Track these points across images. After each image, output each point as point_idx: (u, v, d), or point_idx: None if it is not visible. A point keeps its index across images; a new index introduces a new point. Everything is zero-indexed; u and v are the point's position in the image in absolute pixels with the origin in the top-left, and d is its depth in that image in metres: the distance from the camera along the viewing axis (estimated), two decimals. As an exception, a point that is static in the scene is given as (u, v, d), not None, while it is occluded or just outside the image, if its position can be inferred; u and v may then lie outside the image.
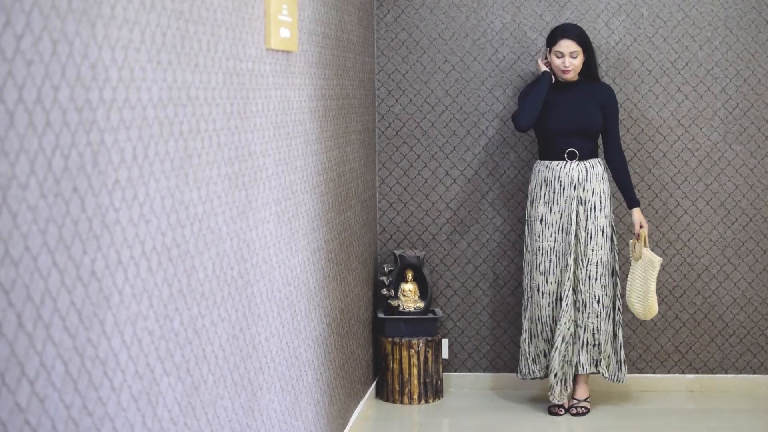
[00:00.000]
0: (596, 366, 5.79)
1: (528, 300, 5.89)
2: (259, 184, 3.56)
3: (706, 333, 6.35)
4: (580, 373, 5.79)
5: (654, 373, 6.37)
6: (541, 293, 5.79)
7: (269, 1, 3.64)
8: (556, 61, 5.74)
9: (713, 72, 6.21)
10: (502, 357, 6.42)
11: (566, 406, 5.89)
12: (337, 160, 5.01)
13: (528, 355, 5.92)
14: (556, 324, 5.76)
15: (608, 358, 5.79)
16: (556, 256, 5.76)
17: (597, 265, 5.71)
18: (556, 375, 5.74)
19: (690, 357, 6.36)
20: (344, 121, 5.22)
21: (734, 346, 6.35)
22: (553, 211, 5.76)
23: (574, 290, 5.72)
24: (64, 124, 2.06)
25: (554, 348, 5.72)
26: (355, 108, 5.54)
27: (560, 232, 5.75)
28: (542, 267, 5.78)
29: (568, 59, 5.70)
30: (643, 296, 5.76)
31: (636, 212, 5.88)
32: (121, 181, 2.34)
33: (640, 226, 5.84)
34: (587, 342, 5.74)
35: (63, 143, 2.05)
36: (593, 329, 5.72)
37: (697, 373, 6.38)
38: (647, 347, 6.35)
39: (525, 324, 5.92)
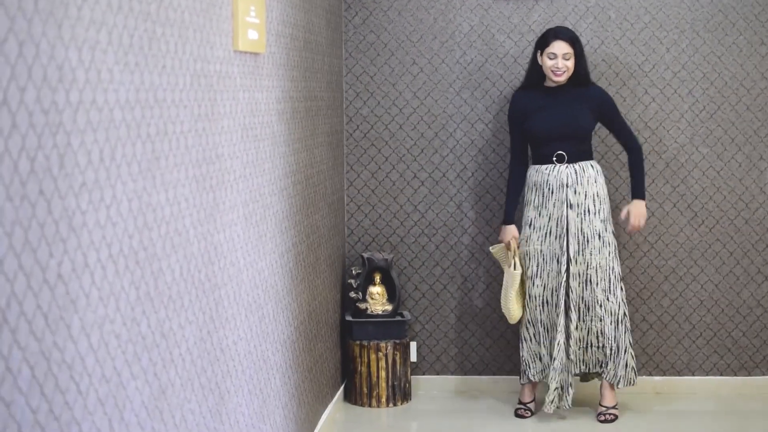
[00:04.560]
0: (600, 366, 5.77)
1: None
2: (227, 186, 3.55)
3: (673, 335, 6.38)
4: (582, 371, 5.80)
5: (621, 375, 6.39)
6: (529, 296, 5.79)
7: (237, 3, 3.63)
8: (549, 63, 5.67)
9: (680, 75, 6.23)
10: (470, 360, 6.43)
11: (533, 409, 5.91)
12: (305, 163, 5.00)
13: (523, 361, 5.87)
14: (546, 328, 5.76)
15: (615, 362, 5.75)
16: (543, 260, 5.73)
17: (596, 270, 5.68)
18: (557, 387, 5.71)
19: (657, 359, 6.39)
20: (312, 123, 5.21)
21: (701, 348, 6.38)
22: (541, 215, 5.74)
23: (568, 295, 5.69)
24: (31, 126, 2.04)
25: (553, 358, 5.70)
26: (323, 110, 5.53)
27: (548, 236, 5.72)
28: (530, 271, 5.77)
29: (561, 60, 5.65)
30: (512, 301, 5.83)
31: (635, 204, 5.88)
32: (87, 184, 2.33)
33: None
34: (591, 344, 5.74)
35: (29, 145, 2.03)
36: (597, 332, 5.71)
37: (665, 375, 6.40)
38: (615, 349, 6.37)
39: (520, 329, 5.91)
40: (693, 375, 6.40)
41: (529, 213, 5.79)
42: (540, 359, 5.83)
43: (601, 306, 5.67)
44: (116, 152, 2.50)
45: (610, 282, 5.70)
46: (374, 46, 6.33)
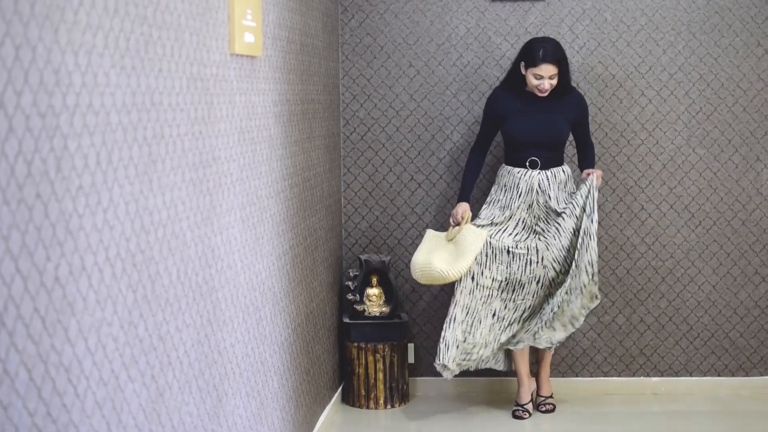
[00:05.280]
0: (534, 338, 5.79)
1: (459, 287, 5.69)
2: (224, 189, 3.55)
3: (670, 336, 6.38)
4: (535, 344, 5.79)
5: (619, 376, 6.39)
6: (475, 283, 5.70)
7: (233, 6, 3.64)
8: (534, 82, 5.65)
9: (676, 76, 6.24)
10: (468, 361, 6.42)
11: (530, 410, 5.92)
12: (301, 165, 5.00)
13: (444, 341, 5.70)
14: (479, 319, 5.71)
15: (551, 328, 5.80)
16: (492, 252, 5.69)
17: (590, 263, 5.66)
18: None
19: (655, 360, 6.39)
20: (309, 125, 5.21)
21: (698, 348, 6.38)
22: (504, 213, 5.75)
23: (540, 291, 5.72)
24: (27, 129, 2.04)
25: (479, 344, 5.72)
26: (319, 113, 5.54)
27: (502, 232, 5.72)
28: (479, 257, 5.71)
29: (547, 81, 5.65)
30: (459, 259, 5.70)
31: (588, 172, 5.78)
32: (84, 187, 2.33)
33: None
34: (548, 320, 5.72)
35: (26, 149, 2.04)
36: (559, 309, 5.70)
37: (662, 375, 6.40)
38: (612, 350, 6.37)
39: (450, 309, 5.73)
40: (691, 376, 6.40)
41: (493, 210, 5.79)
42: (456, 347, 5.73)
43: (581, 290, 5.66)
44: (113, 155, 2.51)
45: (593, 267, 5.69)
46: (371, 48, 6.33)
